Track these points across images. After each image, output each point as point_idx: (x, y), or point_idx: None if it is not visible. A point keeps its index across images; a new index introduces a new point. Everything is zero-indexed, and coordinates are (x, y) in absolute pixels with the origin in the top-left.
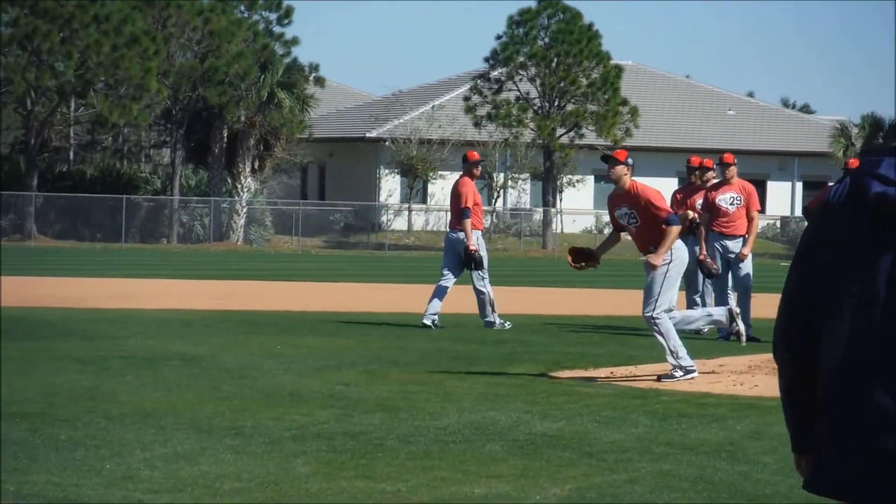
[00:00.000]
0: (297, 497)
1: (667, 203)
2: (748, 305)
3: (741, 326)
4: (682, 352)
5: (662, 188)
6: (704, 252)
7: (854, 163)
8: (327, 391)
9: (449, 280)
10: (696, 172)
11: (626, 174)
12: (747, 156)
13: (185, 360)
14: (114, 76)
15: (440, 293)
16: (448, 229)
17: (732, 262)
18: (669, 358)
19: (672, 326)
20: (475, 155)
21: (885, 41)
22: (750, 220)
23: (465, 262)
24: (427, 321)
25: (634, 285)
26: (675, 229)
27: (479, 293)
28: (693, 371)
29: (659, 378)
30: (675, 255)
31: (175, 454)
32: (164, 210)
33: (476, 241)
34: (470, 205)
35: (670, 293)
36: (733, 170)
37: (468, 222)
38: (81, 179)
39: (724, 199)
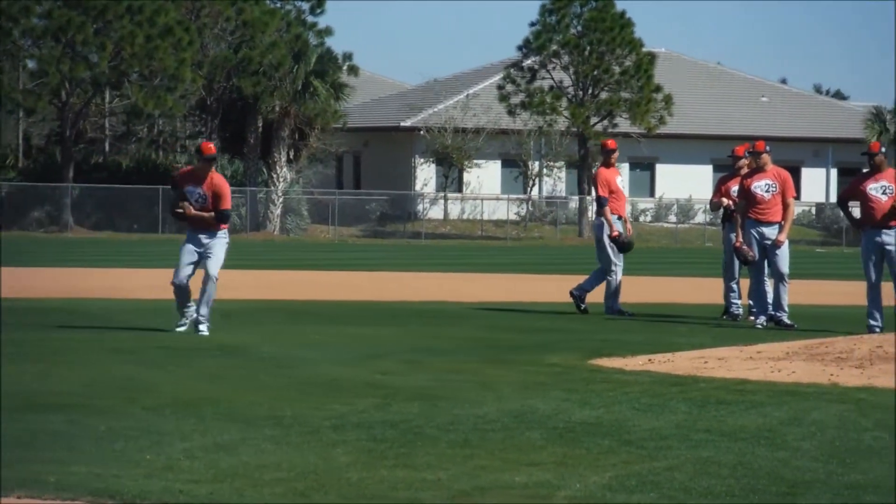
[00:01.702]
0: (338, 486)
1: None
2: (784, 292)
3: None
4: None
5: (696, 175)
6: (741, 239)
7: (876, 146)
8: (366, 380)
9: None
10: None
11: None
12: (781, 143)
13: (224, 351)
14: (148, 67)
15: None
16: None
17: (769, 249)
18: None
19: None
20: (610, 143)
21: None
22: (785, 206)
23: (619, 249)
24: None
25: (671, 272)
26: None
27: (608, 279)
28: None
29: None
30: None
31: (215, 444)
32: None
33: (620, 227)
34: (605, 193)
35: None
36: (766, 157)
37: (606, 210)
38: (117, 170)
39: (760, 186)
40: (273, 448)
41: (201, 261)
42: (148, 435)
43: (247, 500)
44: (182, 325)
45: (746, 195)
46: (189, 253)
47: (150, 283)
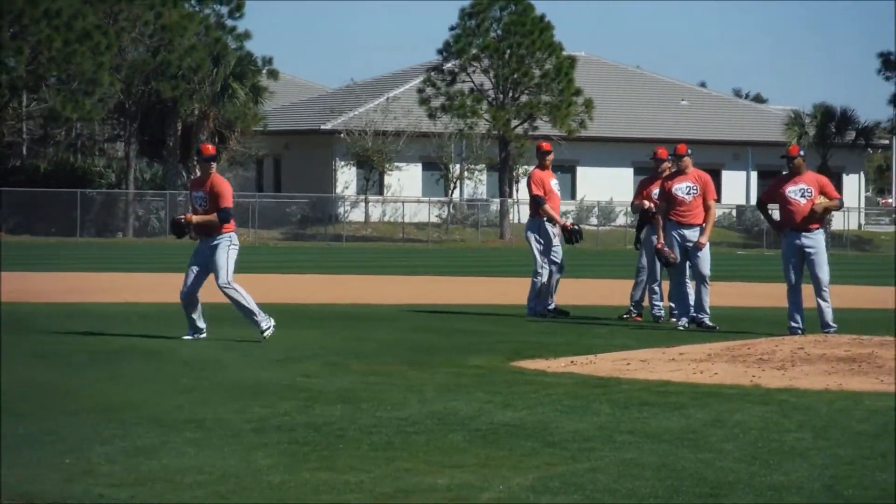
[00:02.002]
0: (259, 489)
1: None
2: (706, 294)
3: None
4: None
5: (617, 178)
6: (662, 241)
7: (795, 149)
8: (288, 383)
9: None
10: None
11: None
12: (701, 146)
13: (143, 354)
14: (66, 71)
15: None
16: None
17: (690, 251)
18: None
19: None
20: (545, 145)
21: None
22: (707, 208)
23: (568, 239)
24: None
25: (592, 274)
26: None
27: (533, 280)
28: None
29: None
30: None
31: (135, 448)
32: (119, 204)
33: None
34: (541, 193)
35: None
36: (687, 160)
37: (547, 206)
38: (35, 174)
39: (681, 188)
40: (194, 451)
41: (208, 270)
42: (67, 439)
43: (167, 503)
44: (189, 335)
45: (668, 197)
46: (192, 262)
47: (69, 286)
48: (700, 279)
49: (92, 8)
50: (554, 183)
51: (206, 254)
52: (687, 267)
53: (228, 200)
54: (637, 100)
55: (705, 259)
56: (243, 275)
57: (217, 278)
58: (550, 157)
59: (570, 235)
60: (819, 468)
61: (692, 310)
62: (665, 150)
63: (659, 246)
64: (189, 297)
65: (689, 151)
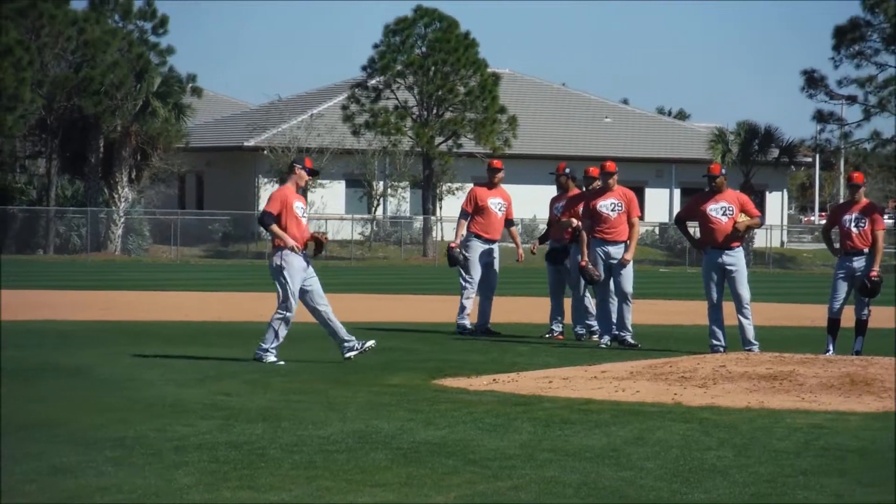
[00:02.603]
0: None
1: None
2: (628, 312)
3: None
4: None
5: (541, 195)
6: (586, 259)
7: (717, 168)
8: (209, 401)
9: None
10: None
11: None
12: (625, 163)
13: (63, 372)
14: None
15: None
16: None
17: (614, 268)
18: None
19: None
20: (495, 163)
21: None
22: (631, 226)
23: (449, 262)
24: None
25: (514, 292)
26: None
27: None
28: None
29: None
30: None
31: (53, 467)
32: (40, 220)
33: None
34: (468, 208)
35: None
36: (614, 178)
37: (461, 222)
38: None
39: (606, 205)
40: (114, 470)
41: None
42: None
43: None
44: (349, 353)
45: (592, 214)
46: None
47: None
48: (622, 297)
49: (13, 23)
50: (494, 202)
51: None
52: (610, 284)
53: (267, 204)
54: (561, 117)
55: (628, 277)
56: (165, 292)
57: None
58: (498, 175)
59: (452, 260)
60: (740, 486)
61: (614, 328)
62: (597, 169)
63: (583, 264)
64: (317, 317)
65: (616, 169)
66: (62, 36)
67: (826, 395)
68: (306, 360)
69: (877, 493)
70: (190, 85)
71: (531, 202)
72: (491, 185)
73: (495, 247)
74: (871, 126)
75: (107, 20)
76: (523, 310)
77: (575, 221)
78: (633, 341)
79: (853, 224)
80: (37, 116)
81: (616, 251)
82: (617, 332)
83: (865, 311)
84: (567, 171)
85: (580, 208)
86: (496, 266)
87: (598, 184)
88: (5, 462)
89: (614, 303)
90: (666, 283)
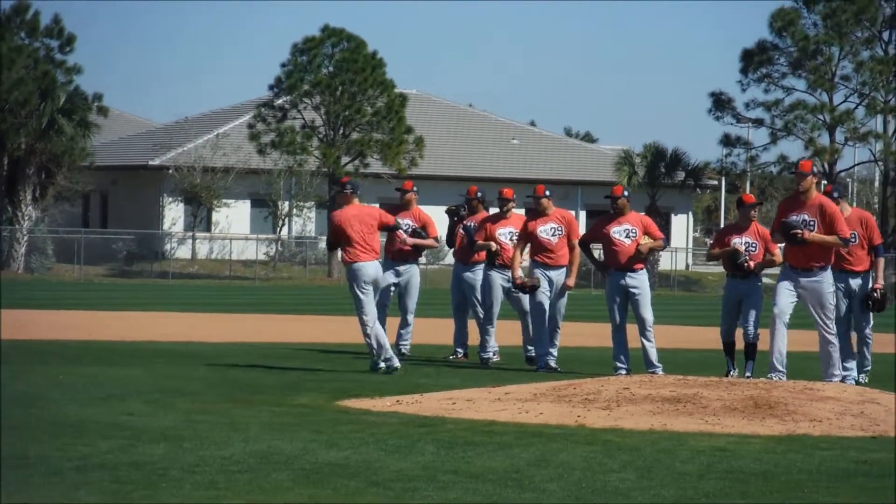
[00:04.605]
0: None
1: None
2: (557, 337)
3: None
4: None
5: (446, 217)
6: (518, 274)
7: (619, 189)
8: (111, 421)
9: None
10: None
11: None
12: (532, 185)
13: None
14: None
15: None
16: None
17: (554, 293)
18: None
19: None
20: (405, 185)
21: (668, 69)
22: (571, 248)
23: None
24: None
25: (419, 314)
26: None
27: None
28: None
29: None
30: None
31: None
32: None
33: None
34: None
35: None
36: (545, 201)
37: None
38: None
39: (545, 230)
40: (14, 490)
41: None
42: None
43: None
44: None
45: (531, 240)
46: None
47: None
48: (555, 321)
49: None
50: (405, 222)
51: None
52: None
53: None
54: (468, 138)
55: (563, 303)
56: (68, 311)
57: None
58: (408, 196)
59: None
60: None
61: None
62: (511, 190)
63: (518, 280)
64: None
65: (548, 192)
66: None
67: (729, 418)
68: (210, 380)
69: None
70: (96, 103)
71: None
72: (402, 206)
73: (400, 269)
74: (778, 150)
75: (13, 37)
76: (428, 331)
77: (493, 245)
78: (554, 365)
79: (745, 247)
80: None
81: (558, 276)
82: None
83: (753, 332)
84: (479, 194)
85: (494, 230)
86: (411, 288)
87: (511, 205)
88: None
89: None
90: (569, 305)
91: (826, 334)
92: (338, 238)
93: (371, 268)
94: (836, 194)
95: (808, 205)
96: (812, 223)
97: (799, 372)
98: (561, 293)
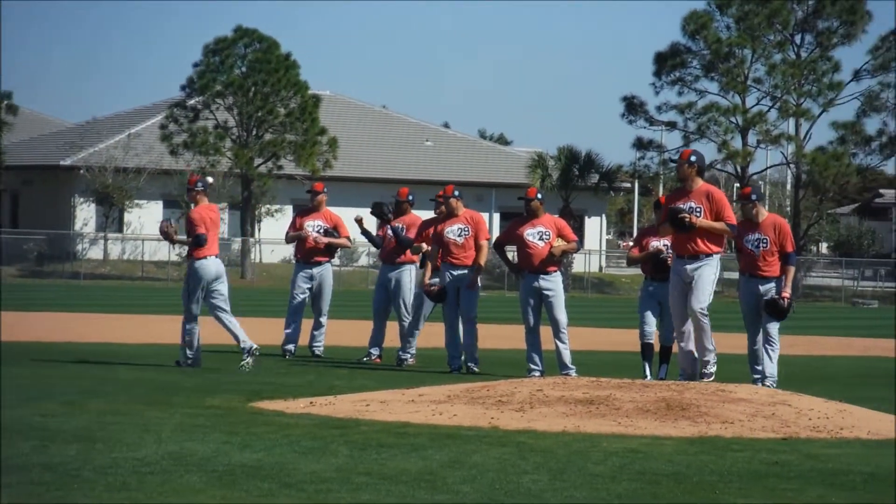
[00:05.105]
0: None
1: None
2: (475, 338)
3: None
4: None
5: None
6: (429, 279)
7: (533, 192)
8: (24, 422)
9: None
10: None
11: None
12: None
13: None
14: None
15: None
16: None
17: (462, 293)
18: None
19: None
20: (316, 186)
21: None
22: (479, 248)
23: None
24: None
25: (333, 315)
26: None
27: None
28: None
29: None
30: None
31: None
32: None
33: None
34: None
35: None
36: (455, 202)
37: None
38: None
39: (452, 230)
40: None
41: None
42: None
43: None
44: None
45: (440, 241)
46: None
47: None
48: (469, 322)
49: None
50: (311, 224)
51: None
52: (457, 309)
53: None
54: (382, 140)
55: (474, 300)
56: None
57: None
58: (318, 198)
59: None
60: None
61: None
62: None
63: (428, 288)
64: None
65: (457, 193)
66: None
67: (642, 420)
68: (124, 381)
69: None
70: (5, 102)
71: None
72: (312, 208)
73: (313, 271)
74: None
75: None
76: (341, 332)
77: (425, 246)
78: (476, 369)
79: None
80: None
81: (464, 276)
82: (468, 364)
83: (670, 335)
84: (410, 197)
85: (430, 232)
86: (324, 289)
87: (443, 209)
88: None
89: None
90: (484, 306)
91: (699, 316)
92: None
93: (216, 264)
94: (754, 196)
95: (695, 192)
96: (699, 210)
97: (717, 374)
98: (467, 293)
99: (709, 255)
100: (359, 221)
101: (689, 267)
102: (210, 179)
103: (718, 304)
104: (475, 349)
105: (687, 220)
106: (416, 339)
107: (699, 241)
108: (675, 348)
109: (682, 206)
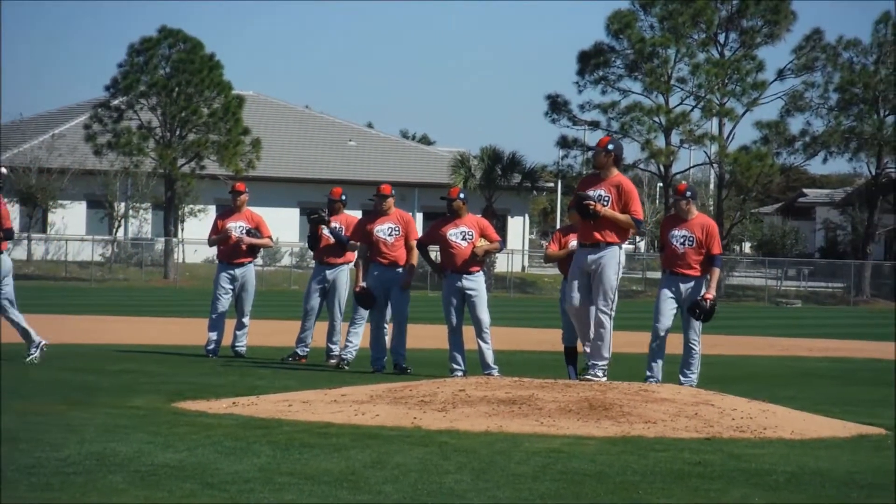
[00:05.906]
0: None
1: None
2: (405, 337)
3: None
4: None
5: (283, 218)
6: (361, 283)
7: (455, 191)
8: None
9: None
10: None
11: None
12: (368, 187)
13: None
14: None
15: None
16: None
17: (392, 293)
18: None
19: None
20: (238, 186)
21: (504, 72)
22: (409, 249)
23: None
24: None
25: (254, 315)
26: None
27: None
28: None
29: None
30: None
31: None
32: None
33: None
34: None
35: None
36: (390, 201)
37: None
38: None
39: (382, 230)
40: None
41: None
42: None
43: None
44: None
45: (369, 240)
46: None
47: None
48: (401, 321)
49: None
50: (231, 225)
51: None
52: (387, 310)
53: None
54: (305, 140)
55: (404, 301)
56: None
57: None
58: (240, 198)
59: None
60: None
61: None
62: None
63: (357, 289)
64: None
65: (393, 192)
66: None
67: (564, 420)
68: (46, 381)
69: None
70: None
71: (273, 225)
72: (233, 209)
73: (236, 271)
74: None
75: None
76: (266, 333)
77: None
78: (405, 365)
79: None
80: None
81: (393, 276)
82: (396, 362)
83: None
84: (343, 196)
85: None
86: (248, 289)
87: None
88: None
89: (389, 329)
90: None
91: (601, 314)
92: None
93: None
94: (689, 193)
95: (607, 181)
96: (607, 199)
97: (640, 374)
98: (398, 293)
99: (609, 244)
100: (326, 223)
101: (590, 257)
102: (4, 171)
103: (642, 305)
104: (404, 349)
105: (591, 207)
106: (357, 339)
107: (604, 230)
108: (580, 348)
109: (590, 192)
